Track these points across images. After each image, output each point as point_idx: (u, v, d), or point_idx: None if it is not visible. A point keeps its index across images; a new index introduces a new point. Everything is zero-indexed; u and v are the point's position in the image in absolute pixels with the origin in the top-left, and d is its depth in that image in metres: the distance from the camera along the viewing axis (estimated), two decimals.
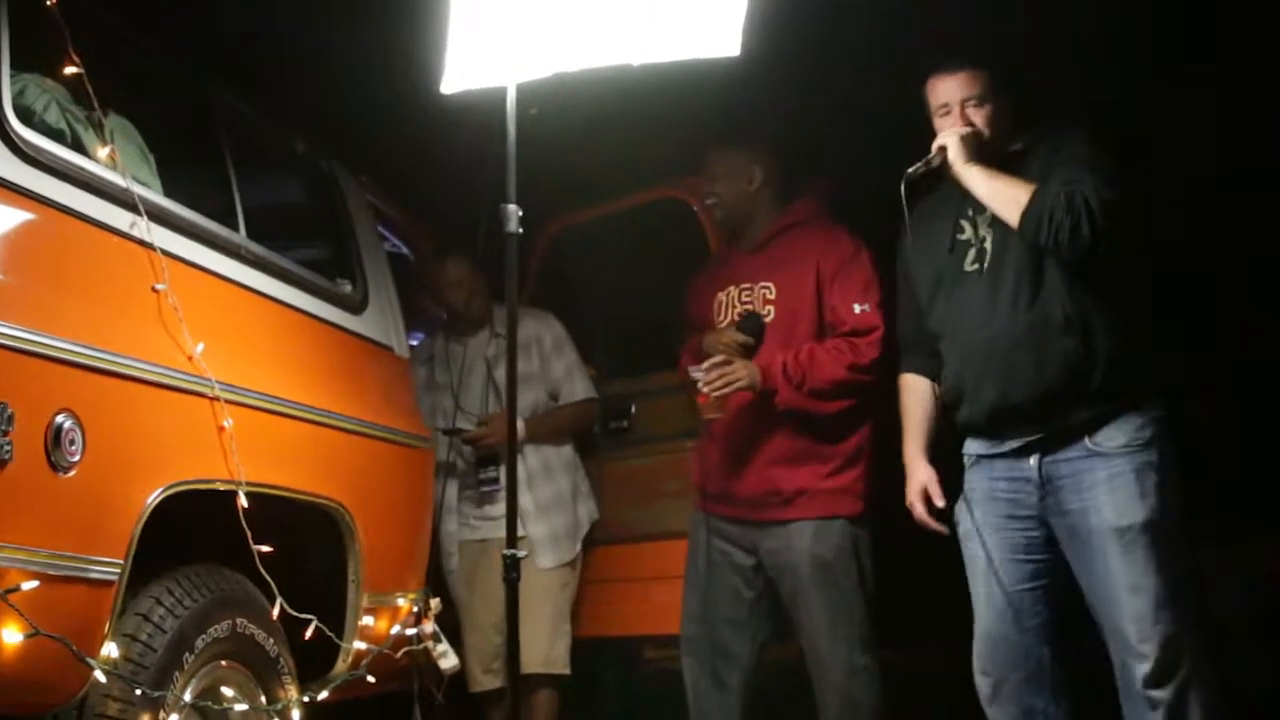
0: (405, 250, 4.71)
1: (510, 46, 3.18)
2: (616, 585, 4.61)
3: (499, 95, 3.24)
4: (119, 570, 2.57)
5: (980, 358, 3.20)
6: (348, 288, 3.76)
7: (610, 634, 4.65)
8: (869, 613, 3.87)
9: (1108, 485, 3.08)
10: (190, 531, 2.84)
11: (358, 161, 4.12)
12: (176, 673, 2.74)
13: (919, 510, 3.36)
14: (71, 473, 2.46)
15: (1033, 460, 3.17)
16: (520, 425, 4.25)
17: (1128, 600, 3.04)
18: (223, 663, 2.93)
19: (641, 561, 4.55)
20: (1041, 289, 3.13)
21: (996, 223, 3.20)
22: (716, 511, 4.02)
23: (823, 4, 4.29)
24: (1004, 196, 3.13)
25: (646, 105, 4.03)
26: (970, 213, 3.27)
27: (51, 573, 2.41)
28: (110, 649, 2.57)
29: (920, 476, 3.38)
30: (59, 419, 2.43)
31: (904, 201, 3.24)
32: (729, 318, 4.02)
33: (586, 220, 5.01)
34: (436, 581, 4.16)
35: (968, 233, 3.28)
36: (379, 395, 3.71)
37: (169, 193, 3.02)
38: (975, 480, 3.29)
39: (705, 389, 3.80)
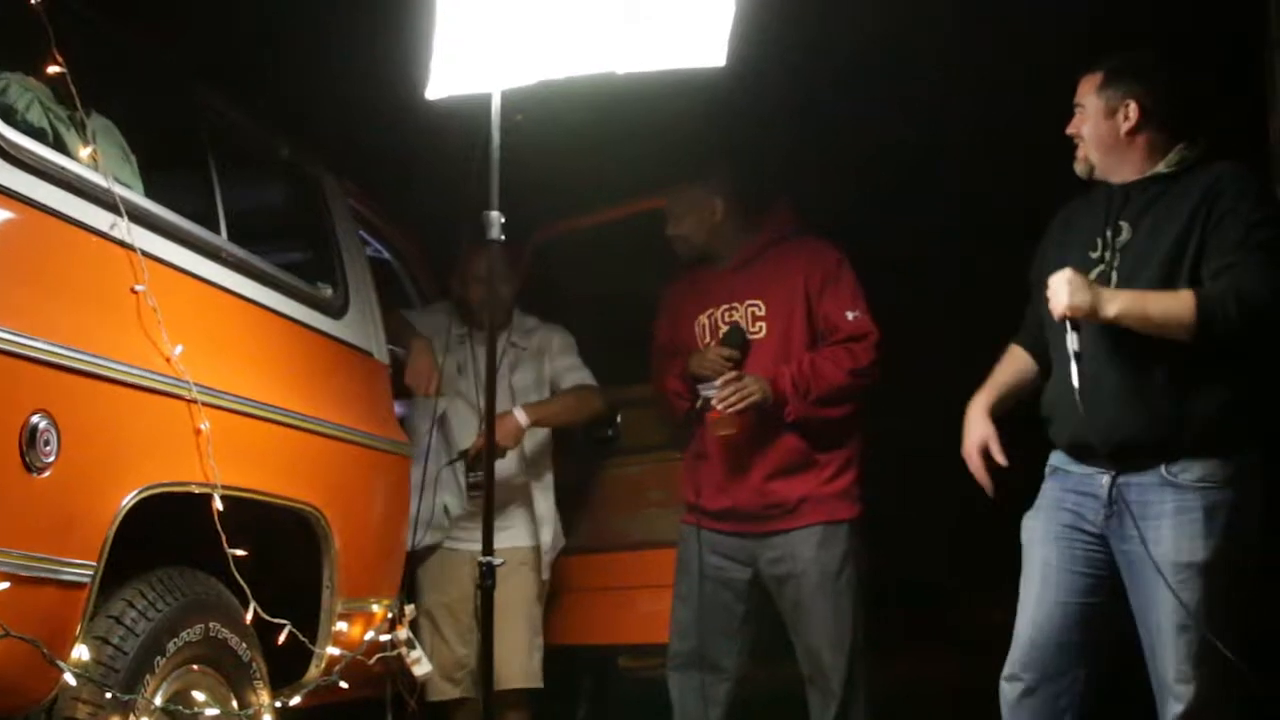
0: (387, 255, 4.70)
1: (495, 53, 3.19)
2: (600, 594, 4.60)
3: (484, 101, 3.24)
4: (92, 572, 2.55)
5: (1070, 393, 3.09)
6: (328, 292, 3.75)
7: (591, 642, 4.65)
8: (864, 620, 3.92)
9: (1174, 519, 3.00)
10: (164, 534, 2.83)
11: (341, 166, 4.11)
12: (147, 676, 2.72)
13: (975, 463, 3.27)
14: (46, 474, 2.44)
15: (1105, 480, 3.10)
16: (520, 414, 4.24)
17: (1172, 638, 2.98)
18: (194, 667, 2.91)
19: (626, 570, 4.55)
20: (1146, 339, 3.01)
21: (1130, 249, 3.10)
22: (712, 527, 4.03)
23: (809, 17, 4.30)
24: (1166, 320, 2.97)
25: (635, 114, 4.04)
26: (1108, 233, 3.14)
27: (23, 574, 2.39)
28: (81, 651, 2.55)
29: (979, 429, 3.29)
30: (34, 419, 2.41)
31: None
32: (713, 340, 4.04)
33: (573, 229, 5.01)
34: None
35: (1100, 250, 3.15)
36: (357, 400, 3.70)
37: (151, 194, 3.01)
38: (1048, 489, 3.24)
39: (720, 406, 3.83)
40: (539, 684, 4.31)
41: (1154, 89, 3.13)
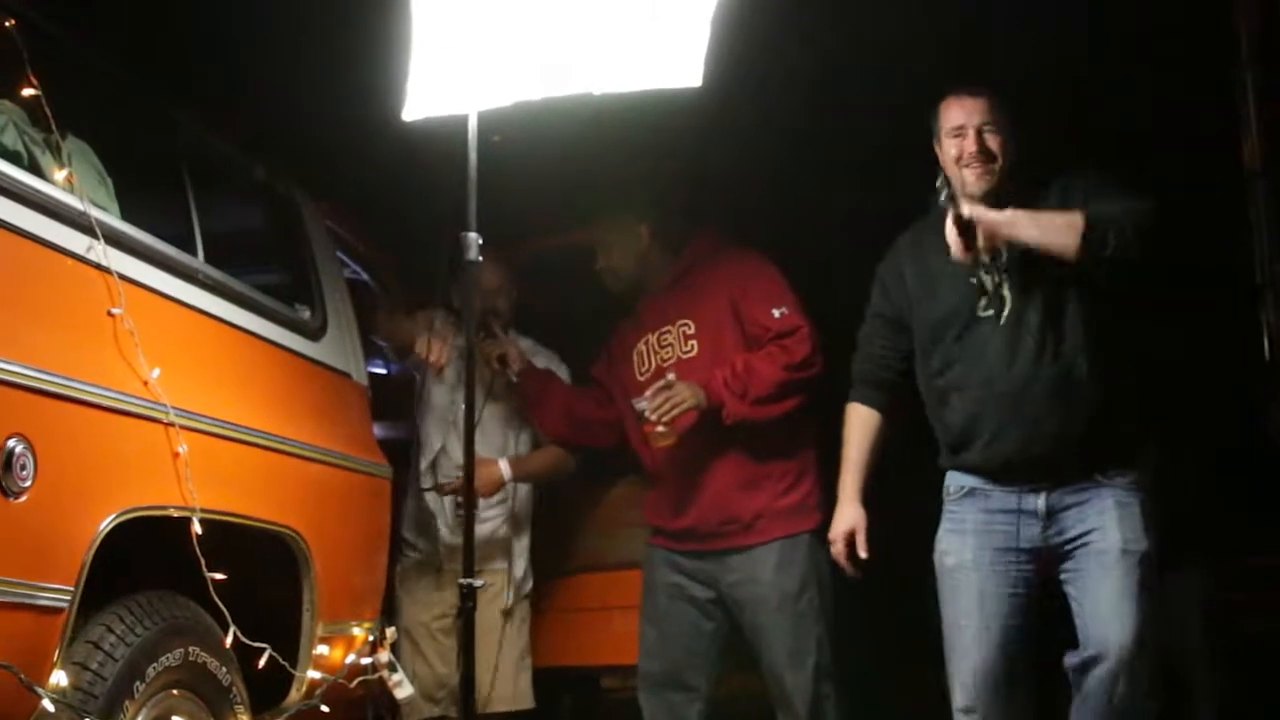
0: (365, 277, 4.69)
1: (472, 74, 3.19)
2: (577, 615, 4.59)
3: (462, 122, 3.24)
4: (69, 597, 2.53)
5: (1000, 408, 3.16)
6: (306, 314, 3.74)
7: (570, 664, 4.63)
8: (830, 639, 3.89)
9: (1117, 512, 3.12)
10: (143, 558, 2.81)
11: (318, 187, 4.11)
12: (127, 702, 2.70)
13: (838, 549, 3.40)
14: (22, 498, 2.43)
15: (1040, 496, 3.17)
16: (504, 466, 4.25)
17: (1117, 607, 3.08)
18: (174, 692, 2.89)
19: (602, 591, 4.55)
20: (1064, 341, 3.13)
21: (1015, 269, 3.16)
22: (671, 547, 4.03)
23: (781, 40, 4.32)
24: (1056, 229, 3.06)
25: (612, 135, 4.05)
26: (984, 256, 3.18)
27: (0, 599, 2.37)
28: (59, 677, 2.53)
29: (850, 518, 3.40)
30: (10, 443, 2.40)
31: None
32: (652, 364, 4.08)
33: (544, 248, 4.99)
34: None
35: (979, 276, 3.21)
36: (336, 422, 3.70)
37: (127, 217, 3.00)
38: (967, 512, 3.26)
39: (653, 416, 3.81)
40: (529, 704, 4.31)
41: (1019, 110, 3.26)
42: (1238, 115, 3.69)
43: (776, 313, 3.88)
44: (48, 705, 2.49)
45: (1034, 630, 3.21)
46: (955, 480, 3.31)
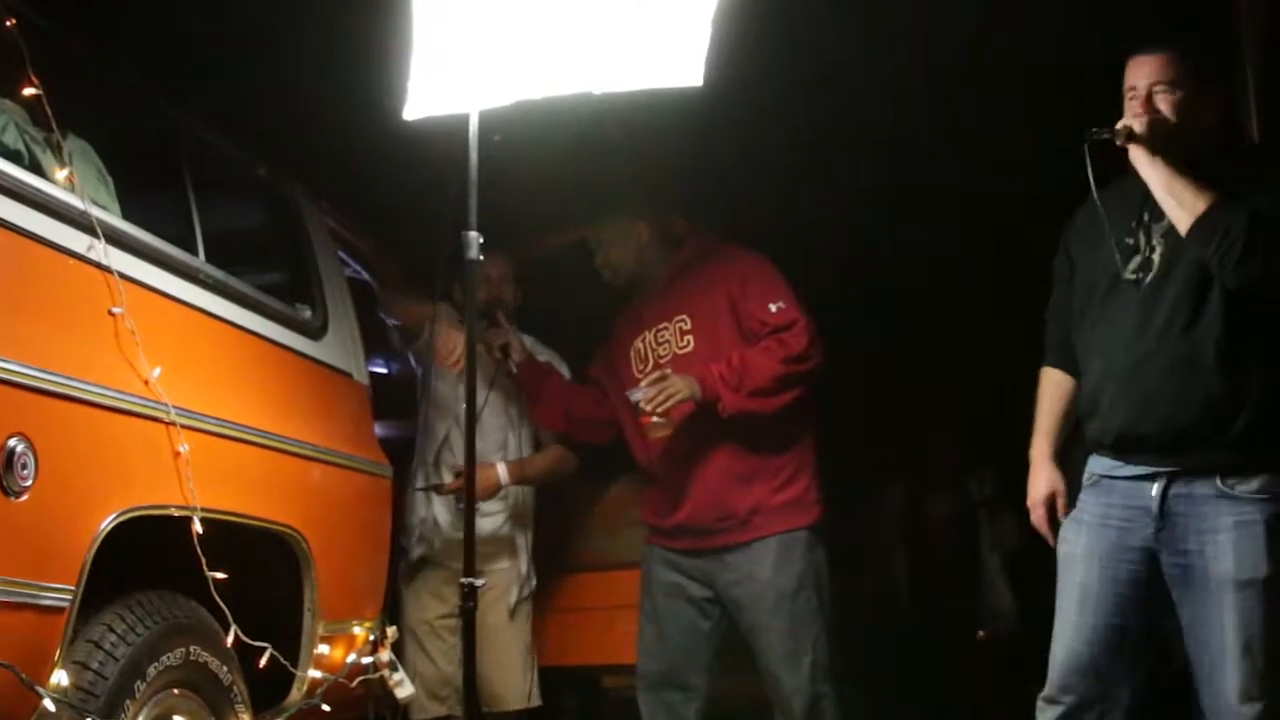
0: (366, 276, 4.69)
1: (473, 73, 3.18)
2: (580, 614, 4.60)
3: (463, 121, 3.24)
4: (70, 596, 2.53)
5: (1119, 376, 3.02)
6: (307, 313, 3.74)
7: (573, 663, 4.64)
8: (827, 638, 3.88)
9: (1234, 532, 2.91)
10: (144, 558, 2.81)
11: (319, 186, 4.10)
12: (128, 701, 2.70)
13: (1040, 514, 3.22)
14: (23, 497, 2.43)
15: (1155, 489, 2.99)
16: (502, 470, 4.26)
17: (1236, 657, 2.90)
18: (175, 691, 2.89)
19: (604, 590, 4.55)
20: (1201, 318, 2.93)
21: (1171, 235, 2.98)
22: (668, 545, 4.03)
23: (787, 37, 4.32)
24: (1181, 198, 2.91)
25: (616, 134, 4.05)
26: (1145, 217, 3.05)
27: (1, 599, 2.37)
28: (60, 677, 2.53)
29: (1047, 481, 3.22)
30: (11, 442, 2.40)
31: (1088, 164, 2.99)
32: (649, 361, 4.08)
33: (546, 246, 4.99)
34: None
35: (1137, 238, 3.07)
36: (337, 422, 3.70)
37: (128, 216, 3.00)
38: (1090, 502, 3.13)
39: (648, 407, 3.82)
40: (537, 703, 4.32)
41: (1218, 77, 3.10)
42: (1238, 107, 3.68)
43: (773, 307, 3.88)
44: (49, 704, 2.49)
45: (1139, 633, 3.07)
46: (1090, 465, 3.16)
